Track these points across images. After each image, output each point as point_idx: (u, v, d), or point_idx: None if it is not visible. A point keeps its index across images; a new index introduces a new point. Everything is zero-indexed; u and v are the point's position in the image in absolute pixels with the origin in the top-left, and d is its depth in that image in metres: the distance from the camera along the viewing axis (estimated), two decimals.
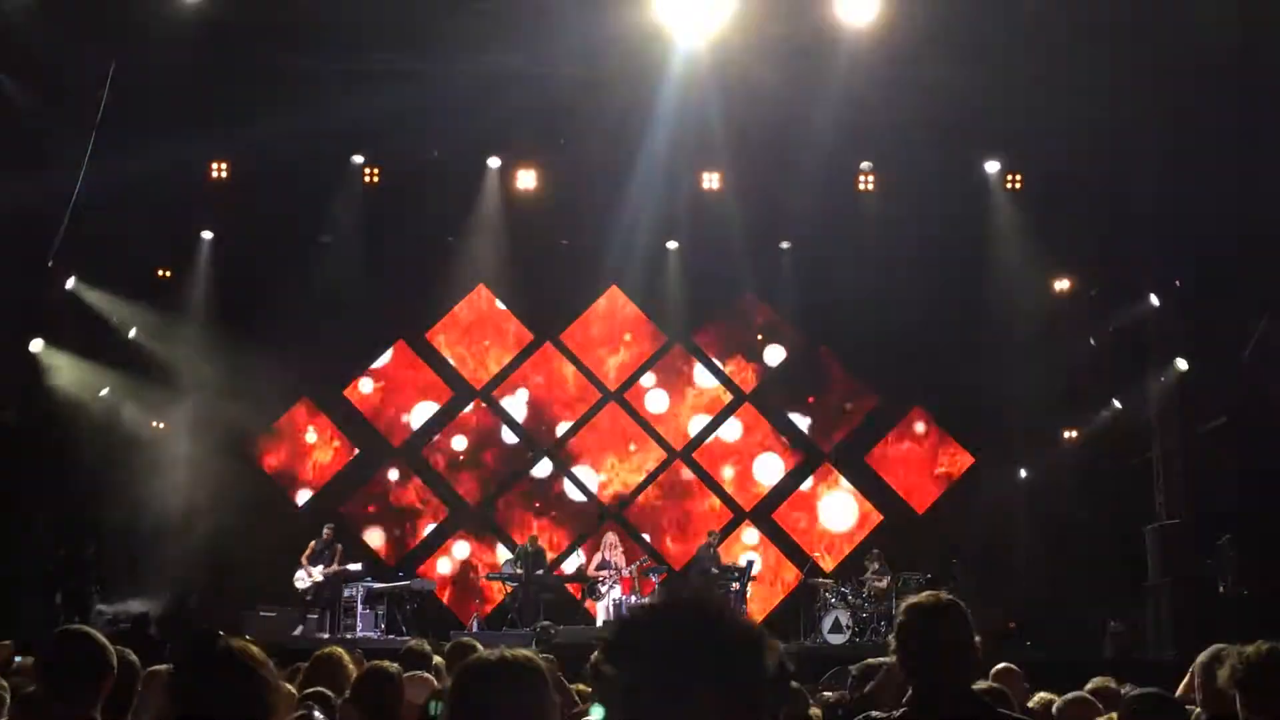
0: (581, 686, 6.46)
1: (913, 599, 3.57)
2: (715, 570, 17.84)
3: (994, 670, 6.14)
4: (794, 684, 5.18)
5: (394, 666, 5.22)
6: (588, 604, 18.18)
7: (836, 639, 16.83)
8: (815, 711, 5.65)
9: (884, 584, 17.45)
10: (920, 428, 20.71)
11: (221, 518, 18.05)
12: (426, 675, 5.77)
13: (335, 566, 17.60)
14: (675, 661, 1.82)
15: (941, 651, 3.44)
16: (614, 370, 20.67)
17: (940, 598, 3.52)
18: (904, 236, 18.55)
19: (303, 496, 19.97)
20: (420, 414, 20.45)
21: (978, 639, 3.48)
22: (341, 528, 19.14)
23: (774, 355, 20.79)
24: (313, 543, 17.69)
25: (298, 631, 16.67)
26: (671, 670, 1.81)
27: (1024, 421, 19.38)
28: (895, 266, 18.78)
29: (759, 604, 18.66)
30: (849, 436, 20.61)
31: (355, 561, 17.61)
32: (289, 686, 4.76)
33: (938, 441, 20.62)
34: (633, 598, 17.05)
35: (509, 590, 18.12)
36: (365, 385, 20.45)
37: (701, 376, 20.78)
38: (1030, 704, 5.88)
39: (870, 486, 20.45)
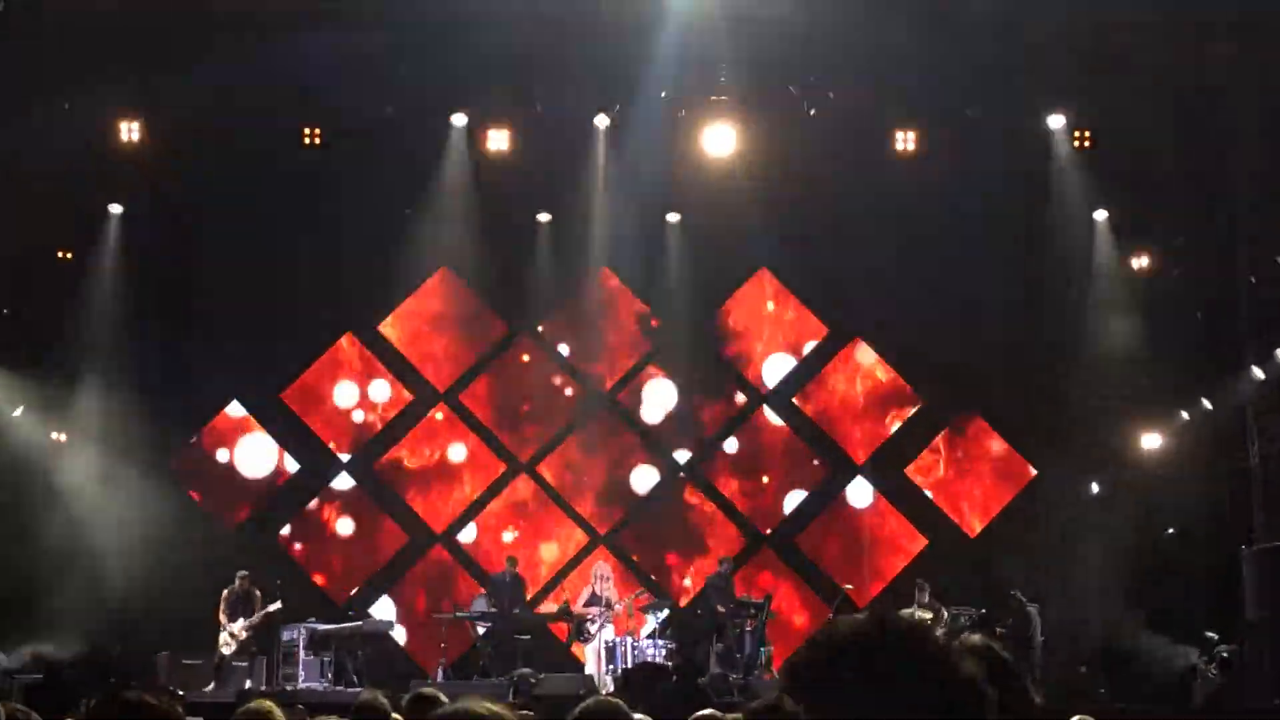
0: None
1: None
2: (726, 605, 18.18)
3: None
4: None
5: None
6: (574, 647, 18.50)
7: None
8: None
9: (931, 621, 17.35)
10: (972, 434, 21.06)
11: (138, 546, 18.32)
12: None
13: (258, 615, 17.83)
14: (887, 704, 1.85)
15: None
16: (605, 366, 21.06)
17: (983, 642, 3.42)
18: (949, 206, 18.85)
19: (235, 519, 20.44)
20: (372, 420, 20.87)
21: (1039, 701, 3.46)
22: (279, 556, 19.81)
23: (794, 348, 21.27)
24: (225, 593, 17.85)
25: (212, 687, 17.01)
26: (882, 713, 1.84)
27: (1095, 426, 19.66)
28: (938, 242, 19.14)
29: (780, 646, 18.85)
30: (887, 445, 20.95)
31: (275, 600, 17.75)
32: None
33: (993, 451, 20.95)
34: (628, 639, 17.35)
35: (481, 631, 18.38)
36: (306, 386, 20.80)
37: (711, 375, 21.16)
38: None
39: (913, 505, 20.81)
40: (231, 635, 17.58)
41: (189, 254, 19.21)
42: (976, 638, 3.24)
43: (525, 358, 21.10)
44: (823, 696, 1.87)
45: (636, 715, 4.92)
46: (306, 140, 18.51)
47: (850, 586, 19.27)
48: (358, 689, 15.62)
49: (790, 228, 19.94)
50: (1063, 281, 19.34)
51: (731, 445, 21.06)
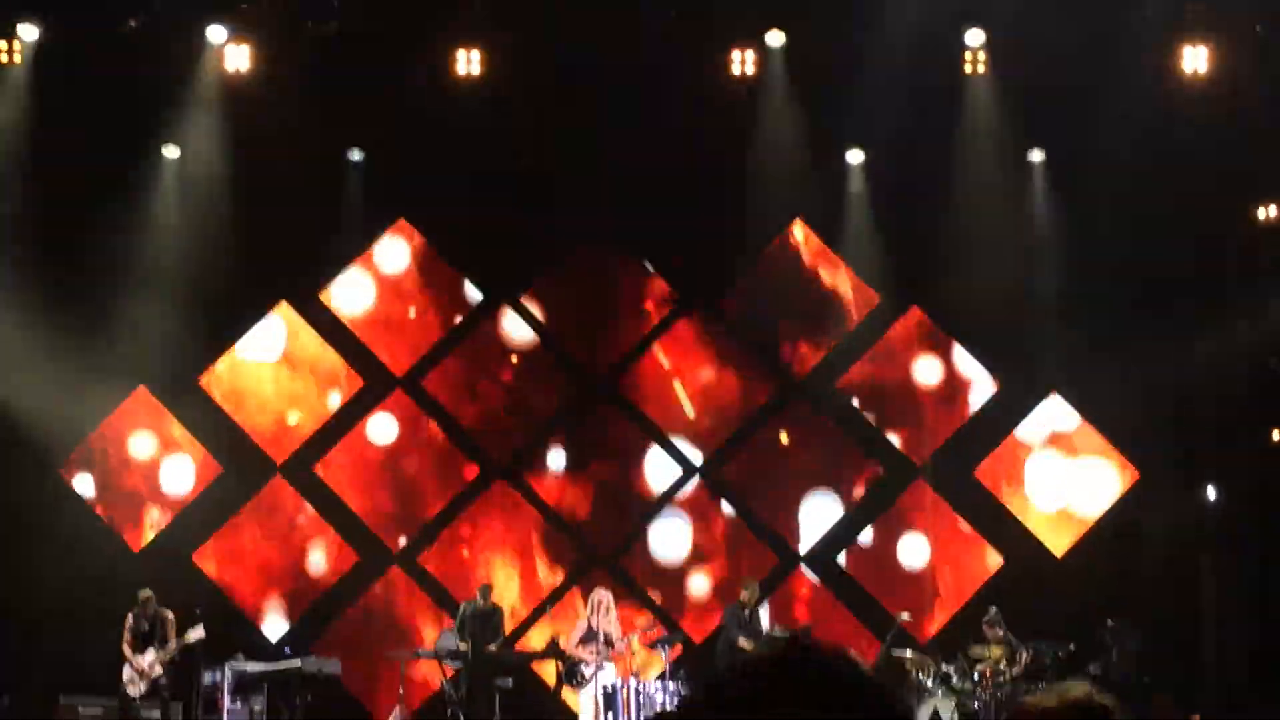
0: None
1: (1040, 700, 3.49)
2: (751, 641, 18.01)
3: None
4: None
5: None
6: (566, 693, 18.43)
7: None
8: None
9: (1004, 658, 17.79)
10: (1058, 429, 20.92)
11: (23, 569, 18.51)
12: None
13: (173, 646, 17.63)
14: None
15: None
16: (604, 346, 21.06)
17: (1090, 699, 3.44)
18: (1032, 143, 19.33)
19: (142, 536, 20.35)
20: (313, 412, 20.79)
21: None
22: (196, 581, 19.60)
23: (834, 320, 21.17)
24: (128, 618, 17.78)
25: None
26: None
27: (1212, 418, 19.73)
28: (1018, 189, 19.50)
29: None
30: (952, 442, 20.82)
31: (196, 625, 17.53)
32: None
33: (1084, 449, 20.82)
34: (632, 682, 17.44)
35: (449, 673, 18.26)
36: (230, 370, 20.77)
37: (728, 355, 21.14)
38: None
39: (984, 515, 20.70)
40: (140, 672, 17.59)
41: (78, 205, 19.14)
42: (1080, 690, 3.24)
43: (504, 334, 21.16)
44: None
45: None
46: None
47: (907, 616, 19.26)
48: None
49: (834, 174, 20.28)
50: (1171, 240, 19.33)
51: (760, 444, 21.07)
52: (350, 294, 20.92)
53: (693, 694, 2.17)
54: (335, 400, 20.71)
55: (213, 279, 19.55)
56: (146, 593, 17.69)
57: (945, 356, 20.98)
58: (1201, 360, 19.15)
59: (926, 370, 20.96)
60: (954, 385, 20.96)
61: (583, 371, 20.95)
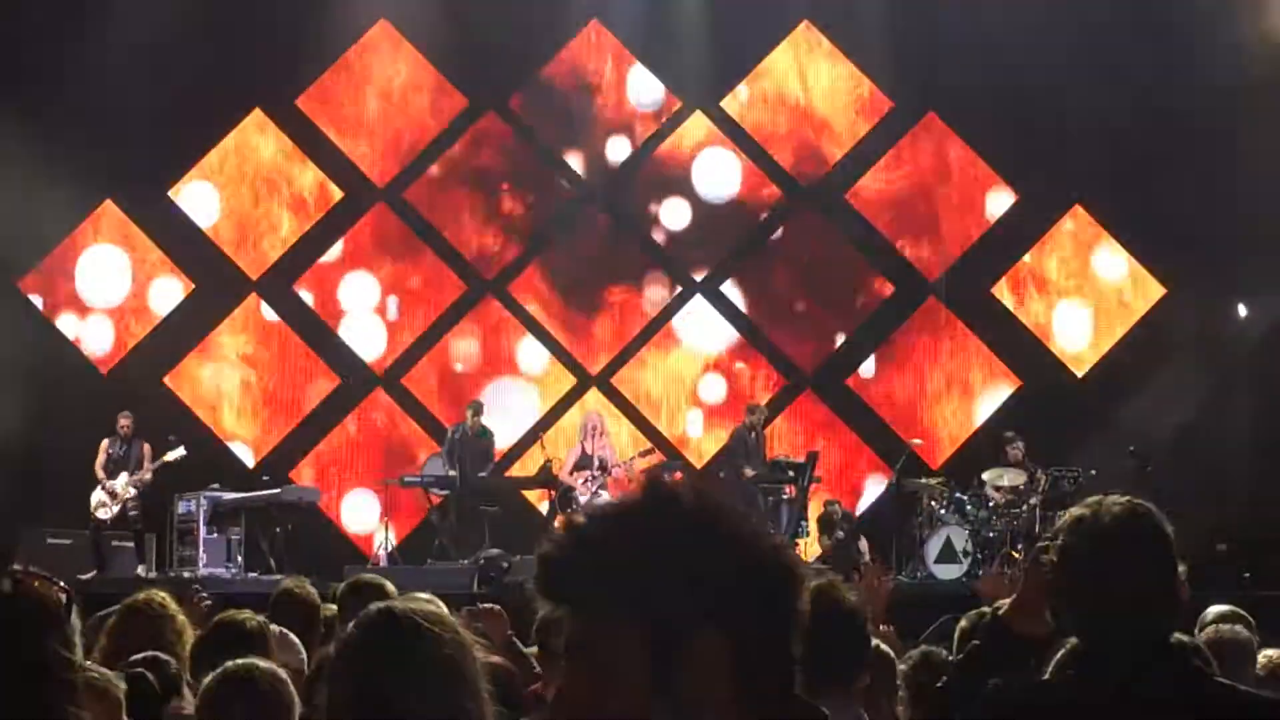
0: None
1: (1085, 510, 3.63)
2: (756, 467, 18.25)
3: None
4: (878, 642, 5.28)
5: (257, 621, 5.56)
6: (559, 522, 18.30)
7: (948, 572, 17.24)
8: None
9: (1022, 486, 17.93)
10: (1079, 239, 21.03)
11: None
12: (294, 641, 6.13)
13: (148, 469, 17.80)
14: (668, 591, 2.03)
15: (1131, 593, 3.54)
16: (599, 155, 20.97)
17: (1132, 507, 3.59)
18: None
19: (109, 358, 20.43)
20: (290, 228, 20.78)
21: (1182, 570, 3.62)
22: (168, 406, 19.67)
23: (846, 126, 21.13)
24: (105, 443, 17.90)
25: (91, 575, 17.03)
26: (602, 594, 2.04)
27: (1245, 230, 19.52)
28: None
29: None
30: (967, 258, 20.94)
31: (176, 449, 17.77)
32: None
33: (1108, 262, 20.95)
34: None
35: (436, 500, 18.44)
36: (200, 185, 20.62)
37: (731, 167, 21.00)
38: (1258, 666, 6.16)
39: (1001, 335, 20.80)
40: (111, 494, 17.63)
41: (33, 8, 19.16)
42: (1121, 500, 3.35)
43: (492, 142, 21.02)
44: (588, 588, 2.02)
45: None
46: None
47: (919, 442, 19.48)
48: (276, 576, 15.75)
49: None
50: (1211, 33, 19.30)
51: (765, 260, 21.12)
52: (328, 101, 20.76)
53: (537, 568, 2.13)
54: (314, 214, 20.70)
55: (185, 85, 19.49)
56: (126, 417, 17.86)
57: (962, 165, 20.98)
58: (1250, 168, 19.12)
59: (942, 180, 21.03)
60: (971, 196, 20.99)
61: (580, 179, 20.95)
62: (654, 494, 2.08)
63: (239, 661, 4.38)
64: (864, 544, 18.07)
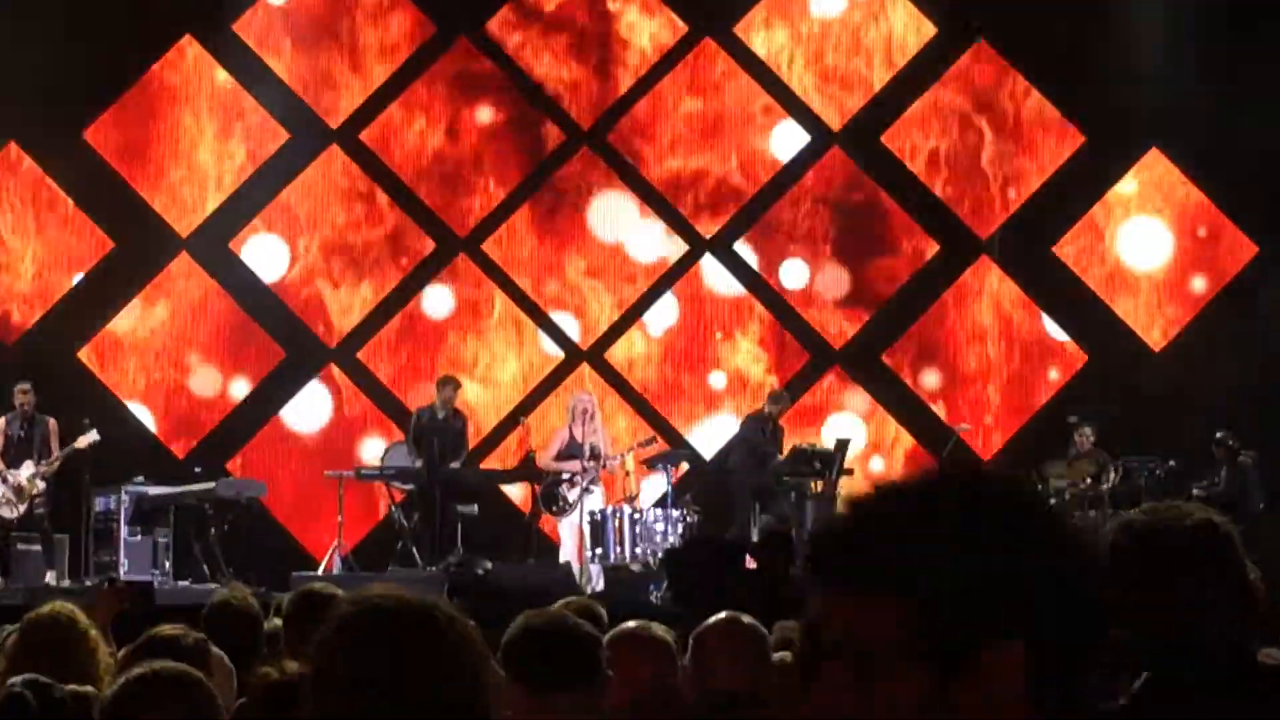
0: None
1: (1137, 517, 3.79)
2: (776, 456, 18.15)
3: None
4: None
5: (194, 638, 5.60)
6: (544, 522, 18.44)
7: None
8: None
9: (1090, 479, 17.99)
10: (1156, 189, 20.89)
11: None
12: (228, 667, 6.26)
13: (56, 456, 17.52)
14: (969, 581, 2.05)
15: (1196, 605, 3.71)
16: (590, 83, 20.92)
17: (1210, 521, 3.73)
18: None
19: (14, 327, 20.30)
20: (229, 173, 20.57)
21: (1255, 578, 3.86)
22: (81, 383, 19.55)
23: (882, 55, 21.06)
24: (1, 422, 17.75)
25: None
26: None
27: None
28: None
29: None
30: (1025, 211, 20.82)
31: (89, 433, 17.48)
32: None
33: (1189, 217, 20.83)
34: (625, 509, 17.42)
35: (399, 496, 18.48)
36: (122, 121, 20.44)
37: (748, 104, 20.96)
38: None
39: (1064, 301, 20.81)
40: (16, 489, 17.50)
41: None
42: (1198, 511, 3.69)
43: (463, 75, 20.97)
44: (869, 572, 2.06)
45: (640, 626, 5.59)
46: None
47: (967, 427, 19.57)
48: (211, 585, 15.85)
49: None
50: None
51: (785, 214, 21.00)
52: (268, 28, 20.60)
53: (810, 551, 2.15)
54: (254, 158, 20.53)
55: (101, 11, 19.41)
56: (25, 387, 17.68)
57: (1018, 102, 20.91)
58: None
59: (995, 120, 20.94)
60: (1029, 138, 20.93)
61: (566, 112, 20.87)
62: (958, 474, 2.13)
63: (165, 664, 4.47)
64: None
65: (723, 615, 5.74)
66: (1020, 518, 2.07)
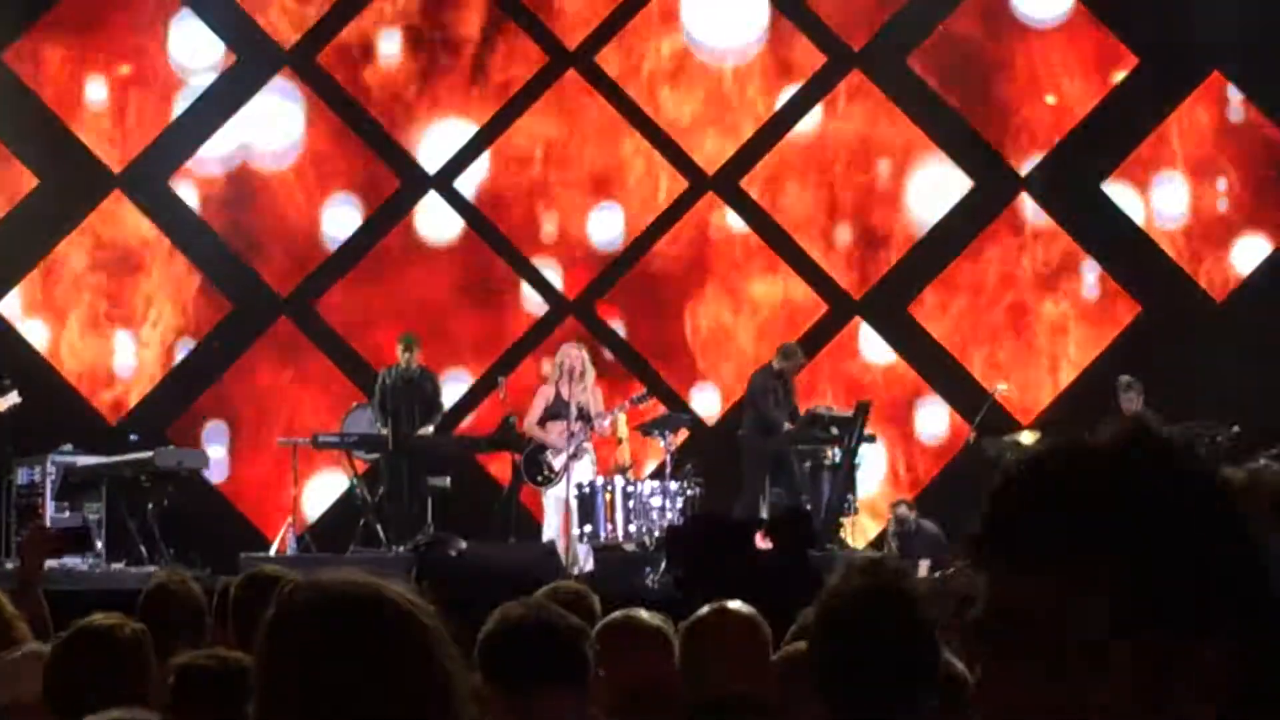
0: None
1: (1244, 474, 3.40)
2: (785, 422, 18.27)
3: None
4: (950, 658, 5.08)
5: (132, 628, 5.65)
6: (525, 495, 18.61)
7: None
8: None
9: None
10: (1218, 119, 21.10)
11: None
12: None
13: None
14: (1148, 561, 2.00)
15: None
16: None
17: None
18: None
19: None
20: (163, 105, 20.79)
21: None
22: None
23: None
24: None
25: None
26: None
27: None
28: None
29: (879, 492, 19.58)
30: (1068, 142, 21.00)
31: (9, 392, 17.56)
32: None
33: (1258, 151, 20.99)
34: (618, 479, 17.51)
35: (362, 468, 18.62)
36: (41, 45, 20.64)
37: (751, 18, 21.22)
38: None
39: (1114, 246, 20.97)
40: None
41: None
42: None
43: None
44: (1048, 551, 2.01)
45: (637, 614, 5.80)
46: None
47: (1005, 388, 19.73)
48: (149, 568, 15.90)
49: None
50: None
51: (797, 148, 21.18)
52: None
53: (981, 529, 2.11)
54: (196, 86, 20.66)
55: None
56: None
57: (1061, 19, 21.09)
58: None
59: (1034, 40, 21.14)
60: (1074, 60, 20.99)
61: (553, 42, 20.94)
62: (1150, 443, 2.06)
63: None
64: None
65: (713, 606, 5.56)
66: (1216, 501, 2.03)
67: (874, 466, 19.71)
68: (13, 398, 17.43)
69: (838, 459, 18.07)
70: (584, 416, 17.75)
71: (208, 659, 5.11)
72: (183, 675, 5.08)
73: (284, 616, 3.08)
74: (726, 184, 20.90)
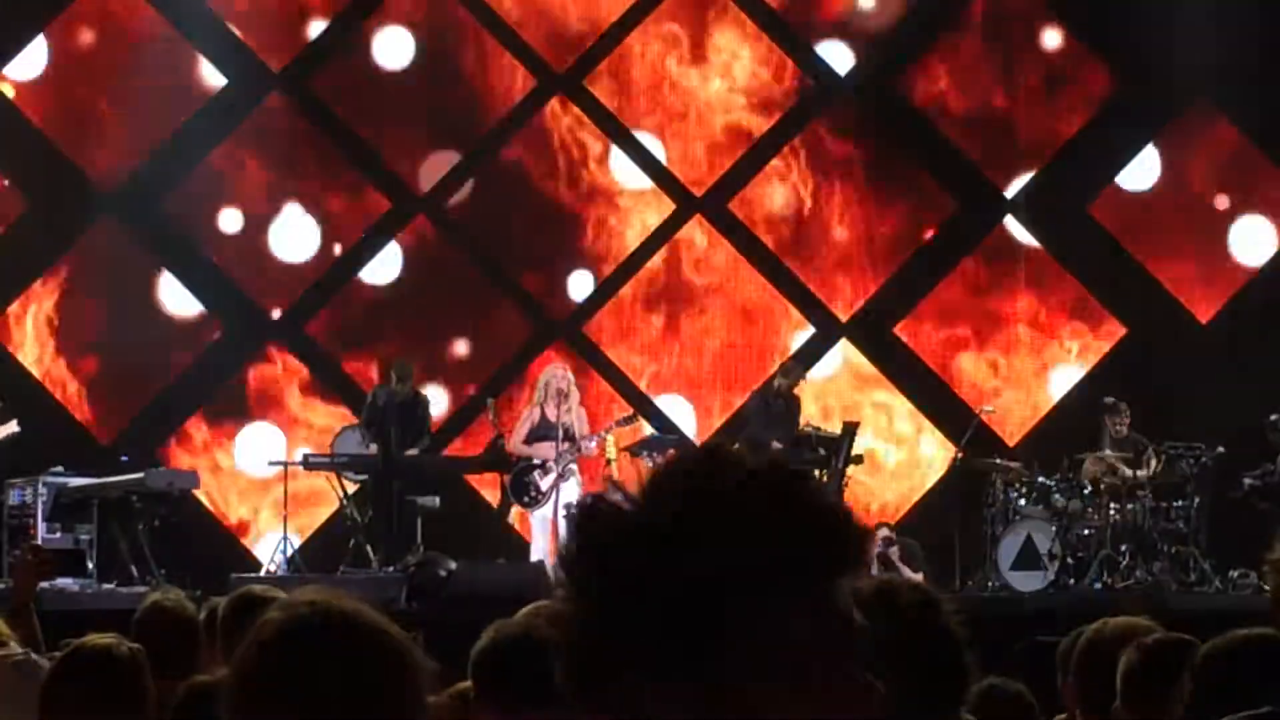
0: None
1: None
2: (783, 439, 18.34)
3: None
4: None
5: (128, 648, 5.60)
6: (516, 516, 18.74)
7: (1028, 581, 17.35)
8: None
9: (1126, 465, 17.88)
10: (1205, 147, 21.10)
11: None
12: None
13: None
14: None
15: None
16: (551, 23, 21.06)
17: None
18: None
19: None
20: (156, 126, 20.58)
21: None
22: None
23: None
24: None
25: None
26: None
27: None
28: None
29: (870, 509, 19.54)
30: (1055, 165, 20.97)
31: (8, 421, 17.67)
32: None
33: (1241, 175, 20.99)
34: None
35: (351, 488, 18.66)
36: (35, 60, 20.65)
37: (739, 42, 21.08)
38: None
39: (1099, 267, 20.93)
40: None
41: None
42: None
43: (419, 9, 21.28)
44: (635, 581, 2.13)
45: None
46: None
47: (991, 409, 19.59)
48: (141, 588, 15.78)
49: None
50: None
51: (784, 170, 21.09)
52: None
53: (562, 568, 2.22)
54: (189, 107, 20.57)
55: None
56: None
57: (1049, 40, 21.04)
58: None
59: (1022, 61, 21.02)
60: (1061, 82, 20.96)
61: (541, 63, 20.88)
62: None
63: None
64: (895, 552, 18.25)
65: None
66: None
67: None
68: (12, 426, 17.57)
69: (825, 480, 18.01)
70: (570, 437, 17.85)
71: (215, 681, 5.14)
72: (189, 695, 5.09)
73: (260, 641, 3.07)
74: (714, 206, 20.91)
